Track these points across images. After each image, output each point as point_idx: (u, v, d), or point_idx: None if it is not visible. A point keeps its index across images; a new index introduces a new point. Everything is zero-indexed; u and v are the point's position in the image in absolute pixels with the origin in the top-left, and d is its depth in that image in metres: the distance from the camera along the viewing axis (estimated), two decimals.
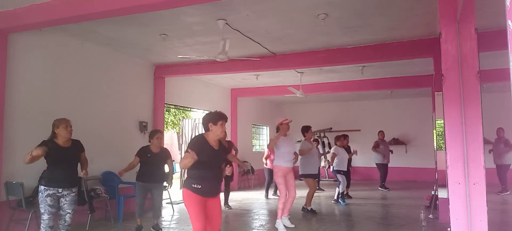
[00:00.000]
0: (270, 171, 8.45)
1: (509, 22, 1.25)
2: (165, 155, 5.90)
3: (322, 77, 10.01)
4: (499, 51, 5.39)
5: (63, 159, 4.18)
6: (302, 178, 7.53)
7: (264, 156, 9.48)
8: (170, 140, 18.47)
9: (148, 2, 4.35)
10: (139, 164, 5.72)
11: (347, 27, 5.99)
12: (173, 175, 6.42)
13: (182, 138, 10.55)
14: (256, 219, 7.09)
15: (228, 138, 8.50)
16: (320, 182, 11.47)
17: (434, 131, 6.32)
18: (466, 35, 3.74)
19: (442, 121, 4.94)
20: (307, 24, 5.84)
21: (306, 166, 7.34)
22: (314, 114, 14.60)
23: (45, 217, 4.07)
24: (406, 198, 9.35)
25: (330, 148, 11.93)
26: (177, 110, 15.16)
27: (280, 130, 6.02)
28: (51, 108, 5.81)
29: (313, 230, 6.16)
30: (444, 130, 4.01)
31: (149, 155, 5.66)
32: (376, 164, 11.02)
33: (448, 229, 3.87)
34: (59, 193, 4.15)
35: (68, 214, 4.23)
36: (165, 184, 6.14)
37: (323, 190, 10.71)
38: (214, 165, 3.62)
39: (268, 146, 6.40)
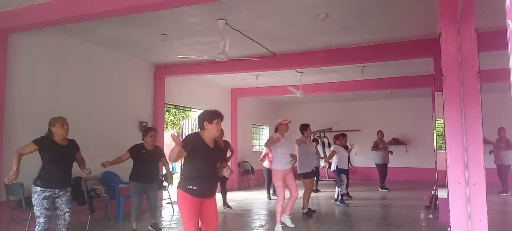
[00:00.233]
0: (269, 171, 8.40)
1: (509, 22, 1.25)
2: (159, 153, 5.78)
3: (322, 77, 10.02)
4: (499, 51, 5.38)
5: (60, 157, 4.14)
6: (300, 178, 7.49)
7: (262, 155, 8.92)
8: (170, 140, 18.41)
9: (148, 2, 4.35)
10: (132, 164, 5.57)
11: (347, 27, 5.99)
12: (173, 174, 6.40)
13: (182, 138, 10.52)
14: (256, 219, 7.09)
15: (226, 138, 8.48)
16: (319, 182, 11.45)
17: (434, 131, 6.31)
18: (466, 35, 3.74)
19: (442, 121, 4.94)
20: (307, 24, 5.84)
21: (301, 165, 7.24)
22: (314, 114, 14.59)
23: (41, 220, 3.99)
24: (406, 198, 9.35)
25: (330, 148, 11.90)
26: (177, 110, 15.14)
27: (279, 130, 5.96)
28: (51, 109, 5.78)
29: (313, 230, 6.16)
30: (444, 130, 4.01)
31: (144, 151, 5.52)
32: (375, 164, 11.00)
33: (448, 229, 3.87)
34: (56, 194, 4.12)
35: (67, 213, 4.21)
36: (165, 183, 6.12)
37: (319, 191, 10.62)
38: (209, 163, 3.52)
39: (266, 144, 6.31)
